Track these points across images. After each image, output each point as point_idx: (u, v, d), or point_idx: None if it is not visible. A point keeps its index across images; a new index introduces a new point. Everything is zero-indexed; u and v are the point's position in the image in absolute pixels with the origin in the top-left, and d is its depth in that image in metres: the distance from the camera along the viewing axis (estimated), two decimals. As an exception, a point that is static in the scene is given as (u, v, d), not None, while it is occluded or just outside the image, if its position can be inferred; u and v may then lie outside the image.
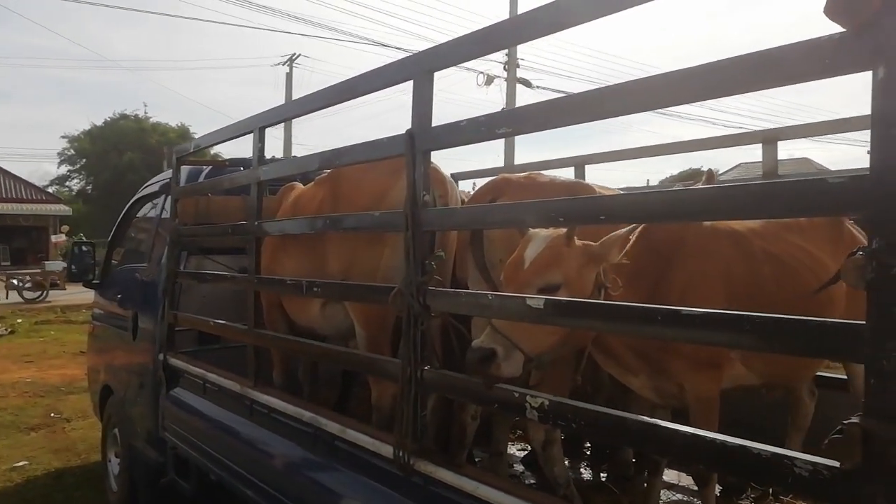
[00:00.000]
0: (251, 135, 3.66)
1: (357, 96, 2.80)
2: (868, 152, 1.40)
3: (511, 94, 24.62)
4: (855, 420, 1.35)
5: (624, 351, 2.63)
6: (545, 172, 3.52)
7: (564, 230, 2.42)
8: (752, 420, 3.39)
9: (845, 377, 3.32)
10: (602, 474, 3.76)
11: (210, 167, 5.15)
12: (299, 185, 4.33)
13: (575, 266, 2.37)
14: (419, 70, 2.48)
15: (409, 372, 2.48)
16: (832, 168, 3.74)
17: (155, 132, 52.01)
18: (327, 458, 3.00)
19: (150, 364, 4.92)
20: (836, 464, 1.38)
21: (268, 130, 3.55)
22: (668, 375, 2.64)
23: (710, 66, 1.58)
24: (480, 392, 2.25)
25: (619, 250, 2.42)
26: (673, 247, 2.64)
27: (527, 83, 25.25)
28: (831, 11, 1.37)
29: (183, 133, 51.07)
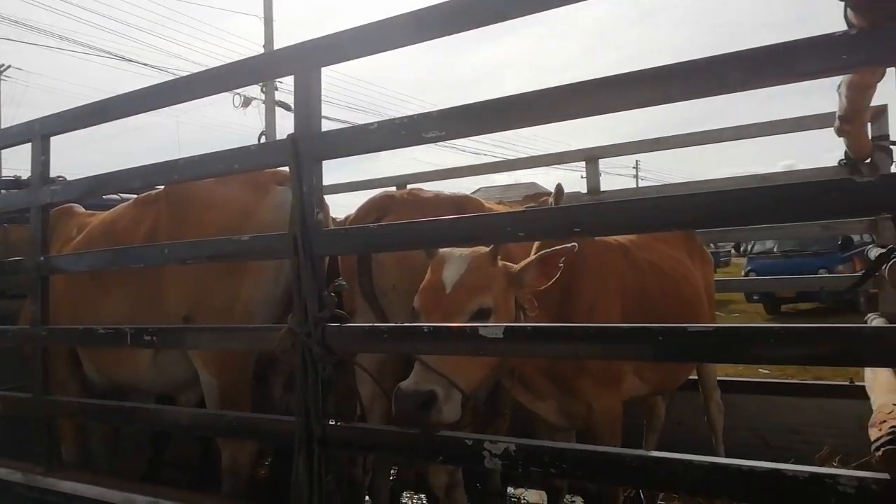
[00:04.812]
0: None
1: (212, 94, 2.25)
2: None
3: (270, 118, 23.63)
4: (907, 428, 1.30)
5: (537, 376, 2.45)
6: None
7: (483, 248, 2.17)
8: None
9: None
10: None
11: None
12: (80, 208, 3.48)
13: (502, 287, 2.13)
14: (304, 65, 2.06)
15: (309, 430, 2.02)
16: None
17: None
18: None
19: None
20: (886, 476, 1.31)
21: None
22: (577, 396, 2.51)
23: (710, 60, 1.46)
24: (416, 445, 1.89)
25: (538, 276, 2.20)
26: (573, 262, 2.53)
27: (287, 107, 24.37)
28: (854, 4, 1.33)
29: None
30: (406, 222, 1.98)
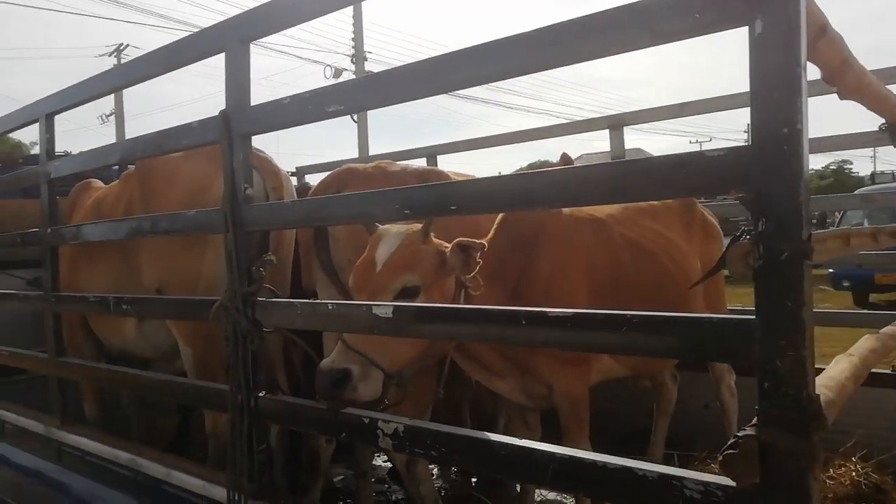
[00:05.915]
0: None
1: (161, 73, 2.32)
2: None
3: (362, 88, 24.08)
4: (750, 432, 1.17)
5: (489, 355, 2.40)
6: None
7: (419, 226, 2.13)
8: (614, 409, 3.34)
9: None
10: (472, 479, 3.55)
11: None
12: (97, 183, 3.71)
13: (433, 266, 2.09)
14: (232, 40, 2.07)
15: (240, 400, 2.09)
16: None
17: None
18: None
19: None
20: (732, 483, 1.19)
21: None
22: (535, 376, 2.44)
23: (561, 25, 1.35)
24: (325, 420, 1.91)
25: (460, 263, 2.12)
26: (534, 238, 2.43)
27: (376, 76, 24.79)
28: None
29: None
30: (316, 198, 1.98)
